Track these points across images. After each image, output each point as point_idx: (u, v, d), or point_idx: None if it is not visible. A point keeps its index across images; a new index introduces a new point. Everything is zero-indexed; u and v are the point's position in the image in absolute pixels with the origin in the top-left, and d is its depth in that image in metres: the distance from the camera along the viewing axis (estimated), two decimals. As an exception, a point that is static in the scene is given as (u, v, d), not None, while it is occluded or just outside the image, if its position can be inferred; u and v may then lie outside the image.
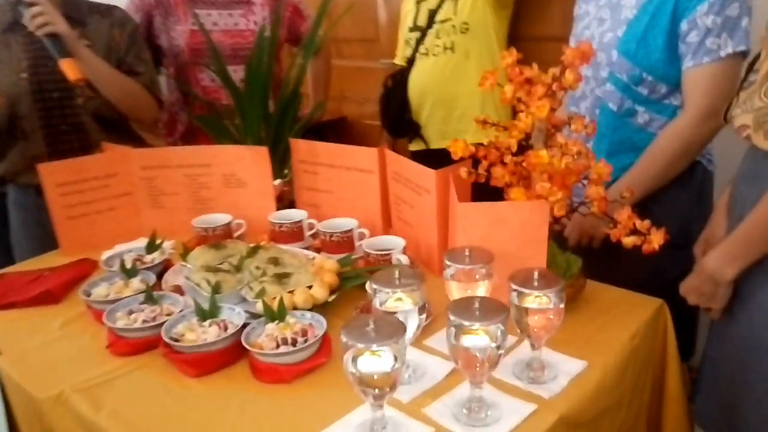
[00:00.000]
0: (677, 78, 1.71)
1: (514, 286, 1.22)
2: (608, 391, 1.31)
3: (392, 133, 2.89)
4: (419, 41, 2.66)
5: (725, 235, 1.47)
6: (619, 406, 1.37)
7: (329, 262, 1.61)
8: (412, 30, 2.70)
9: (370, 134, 3.61)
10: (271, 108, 2.23)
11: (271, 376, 1.32)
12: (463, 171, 1.49)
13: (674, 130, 1.72)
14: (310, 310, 1.46)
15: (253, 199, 2.04)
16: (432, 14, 2.60)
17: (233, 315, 1.46)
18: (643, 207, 1.65)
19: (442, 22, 2.59)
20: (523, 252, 1.42)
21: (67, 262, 1.88)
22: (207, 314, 1.45)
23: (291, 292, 1.50)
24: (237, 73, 2.36)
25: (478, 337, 1.10)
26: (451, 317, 1.10)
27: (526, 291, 1.21)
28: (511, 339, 1.32)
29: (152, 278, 1.67)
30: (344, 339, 1.05)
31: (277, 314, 1.40)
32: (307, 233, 1.92)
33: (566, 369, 1.29)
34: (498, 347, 1.10)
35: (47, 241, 2.01)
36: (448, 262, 1.36)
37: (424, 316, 1.25)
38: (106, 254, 1.83)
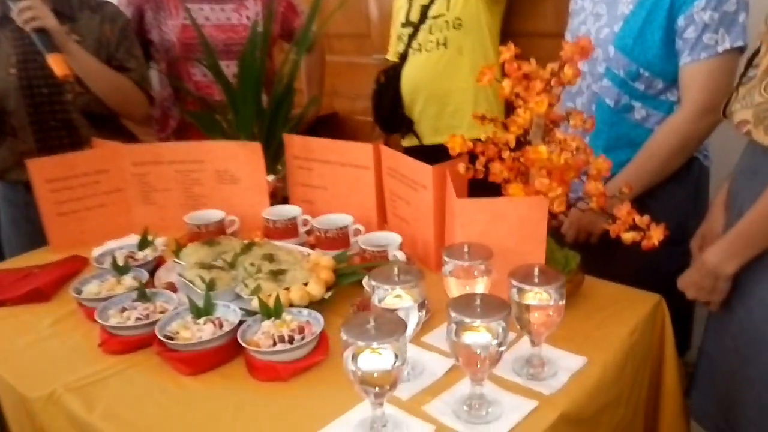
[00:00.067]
0: (674, 73, 1.71)
1: (515, 283, 1.20)
2: (608, 387, 1.30)
3: (385, 129, 2.87)
4: (412, 37, 2.64)
5: (723, 231, 1.46)
6: (619, 401, 1.37)
7: (325, 259, 1.60)
8: (404, 25, 2.69)
9: (361, 130, 3.59)
10: (264, 103, 2.20)
11: (268, 374, 1.30)
12: (461, 167, 1.47)
13: (671, 126, 1.72)
14: (306, 307, 1.45)
15: (246, 195, 2.02)
16: (425, 10, 2.59)
17: (228, 312, 1.44)
18: (640, 203, 1.63)
19: (435, 17, 2.57)
20: (521, 248, 1.41)
21: (57, 259, 1.86)
22: (202, 312, 1.43)
23: (287, 289, 1.48)
24: (229, 68, 2.34)
25: (480, 334, 1.09)
26: (453, 314, 1.09)
27: (527, 287, 1.20)
28: (510, 335, 1.30)
29: (144, 275, 1.65)
30: (344, 336, 1.03)
31: (273, 311, 1.39)
32: (302, 229, 1.90)
33: (566, 365, 1.29)
34: (500, 344, 1.09)
35: (37, 238, 1.98)
36: (446, 259, 1.34)
37: (423, 312, 1.24)
38: (96, 251, 1.80)
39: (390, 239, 1.70)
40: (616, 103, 1.78)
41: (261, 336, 1.34)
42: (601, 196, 1.37)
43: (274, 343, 1.31)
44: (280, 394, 1.27)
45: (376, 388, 1.05)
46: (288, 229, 1.87)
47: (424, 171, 1.63)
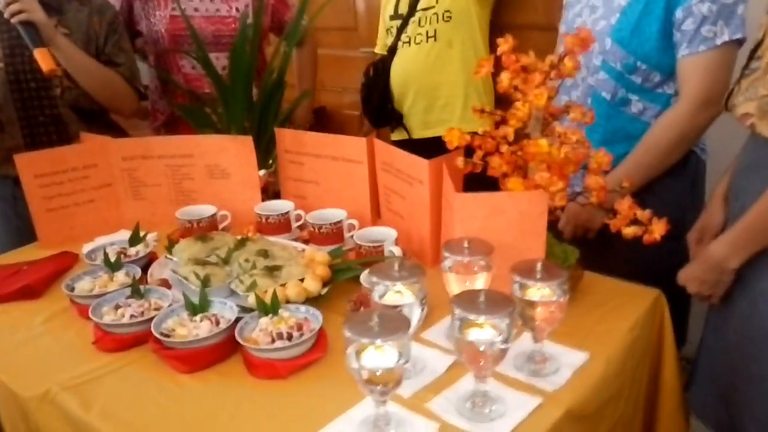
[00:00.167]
0: (671, 66, 1.70)
1: (518, 278, 1.19)
2: (610, 382, 1.30)
3: (374, 123, 2.85)
4: (401, 29, 2.62)
5: (723, 224, 1.46)
6: (620, 396, 1.36)
7: (320, 254, 1.58)
8: (393, 18, 2.67)
9: (349, 124, 3.57)
10: (254, 97, 2.18)
11: (266, 372, 1.29)
12: (459, 161, 1.46)
13: (669, 119, 1.71)
14: (302, 303, 1.43)
15: (237, 190, 2.00)
16: (414, 2, 2.56)
17: (224, 309, 1.42)
18: (637, 197, 1.63)
19: (425, 9, 2.56)
20: (521, 243, 1.39)
21: (47, 255, 1.83)
22: (198, 308, 1.41)
23: (283, 285, 1.46)
24: (219, 60, 2.32)
25: (484, 331, 1.08)
26: (456, 310, 1.07)
27: (530, 283, 1.18)
28: (511, 331, 1.30)
29: (137, 272, 1.62)
30: (347, 334, 1.02)
31: (270, 308, 1.37)
32: (295, 225, 1.88)
33: (568, 361, 1.28)
34: (504, 341, 1.07)
35: (26, 233, 1.96)
36: (446, 254, 1.32)
37: (425, 308, 1.23)
38: (87, 247, 1.78)
39: (385, 234, 1.68)
40: (613, 97, 1.77)
41: (259, 333, 1.32)
42: (602, 190, 1.35)
43: (273, 341, 1.30)
44: (279, 391, 1.26)
45: (380, 386, 1.04)
46: (281, 225, 1.85)
47: (420, 165, 1.61)
